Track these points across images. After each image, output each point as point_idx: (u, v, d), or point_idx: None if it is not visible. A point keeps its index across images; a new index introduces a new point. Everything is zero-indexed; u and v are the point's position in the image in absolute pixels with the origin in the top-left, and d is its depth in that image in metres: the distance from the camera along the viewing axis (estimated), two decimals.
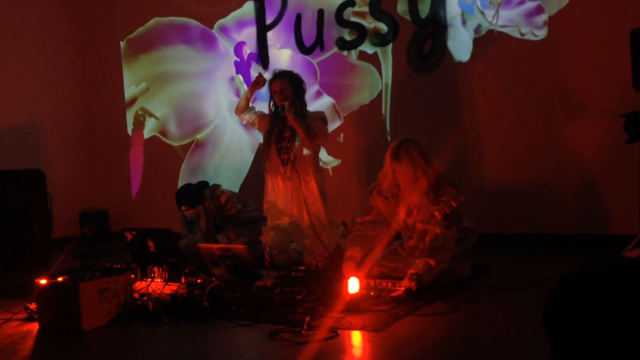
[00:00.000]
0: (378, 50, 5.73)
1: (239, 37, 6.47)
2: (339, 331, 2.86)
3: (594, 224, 4.88)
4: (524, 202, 5.12)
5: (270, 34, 6.30)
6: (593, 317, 1.00)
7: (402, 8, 5.49)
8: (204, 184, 5.09)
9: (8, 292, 4.24)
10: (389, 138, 5.51)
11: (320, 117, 4.62)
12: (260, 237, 4.68)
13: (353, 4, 5.70)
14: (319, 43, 5.89)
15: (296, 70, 5.08)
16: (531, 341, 2.58)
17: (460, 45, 5.32)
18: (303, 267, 4.20)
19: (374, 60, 5.74)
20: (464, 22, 5.32)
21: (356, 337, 2.83)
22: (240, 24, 6.52)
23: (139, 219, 6.77)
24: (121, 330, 3.19)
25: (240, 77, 6.54)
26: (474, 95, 5.24)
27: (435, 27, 5.37)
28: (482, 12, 5.22)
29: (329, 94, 6.34)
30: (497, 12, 5.06)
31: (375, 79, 5.82)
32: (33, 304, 3.43)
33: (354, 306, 3.18)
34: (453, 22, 5.35)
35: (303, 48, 5.98)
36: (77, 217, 6.90)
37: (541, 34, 4.99)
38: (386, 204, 3.88)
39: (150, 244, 4.28)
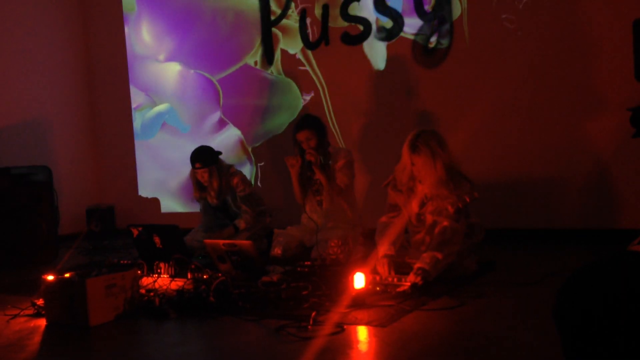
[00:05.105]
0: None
1: None
2: (345, 326, 2.87)
3: (601, 219, 4.86)
4: (530, 197, 5.10)
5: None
6: (602, 311, 1.00)
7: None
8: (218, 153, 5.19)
9: (15, 289, 4.26)
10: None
11: (344, 160, 4.65)
12: (272, 247, 4.74)
13: None
14: (324, 38, 5.87)
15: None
16: (538, 336, 2.58)
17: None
18: (309, 262, 4.20)
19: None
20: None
21: (362, 332, 2.83)
22: None
23: (145, 215, 6.79)
24: (128, 326, 3.20)
25: None
26: (480, 89, 5.22)
27: (441, 20, 5.35)
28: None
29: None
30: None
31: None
32: (40, 300, 3.45)
33: (360, 301, 3.19)
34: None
35: (308, 43, 5.95)
36: (84, 214, 6.93)
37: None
38: (401, 198, 3.87)
39: (157, 239, 4.29)
